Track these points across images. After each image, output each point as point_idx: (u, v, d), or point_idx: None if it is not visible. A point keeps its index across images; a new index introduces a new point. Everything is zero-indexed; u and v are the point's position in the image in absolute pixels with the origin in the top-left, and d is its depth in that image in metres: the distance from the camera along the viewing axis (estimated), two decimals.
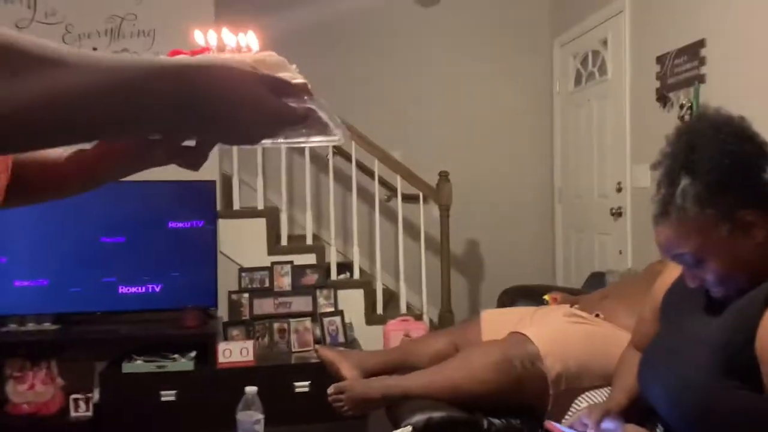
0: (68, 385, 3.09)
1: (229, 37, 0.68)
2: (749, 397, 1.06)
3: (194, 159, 0.61)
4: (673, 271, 1.38)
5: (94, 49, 3.44)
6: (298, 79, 0.62)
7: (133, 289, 3.26)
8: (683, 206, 1.14)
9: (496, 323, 2.22)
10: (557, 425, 1.31)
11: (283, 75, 0.62)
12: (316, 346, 3.19)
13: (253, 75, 0.55)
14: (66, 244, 3.19)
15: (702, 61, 2.92)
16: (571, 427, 1.33)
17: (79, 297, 3.18)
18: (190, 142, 0.61)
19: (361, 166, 3.96)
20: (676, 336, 1.27)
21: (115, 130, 0.55)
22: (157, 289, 3.28)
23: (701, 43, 2.92)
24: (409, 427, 1.62)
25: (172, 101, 0.52)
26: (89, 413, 3.02)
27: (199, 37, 0.68)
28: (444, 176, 3.79)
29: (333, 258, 3.74)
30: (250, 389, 1.58)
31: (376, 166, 3.83)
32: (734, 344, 1.10)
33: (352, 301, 3.66)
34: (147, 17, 3.47)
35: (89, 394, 3.05)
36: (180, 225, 3.33)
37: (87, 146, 0.69)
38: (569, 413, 1.50)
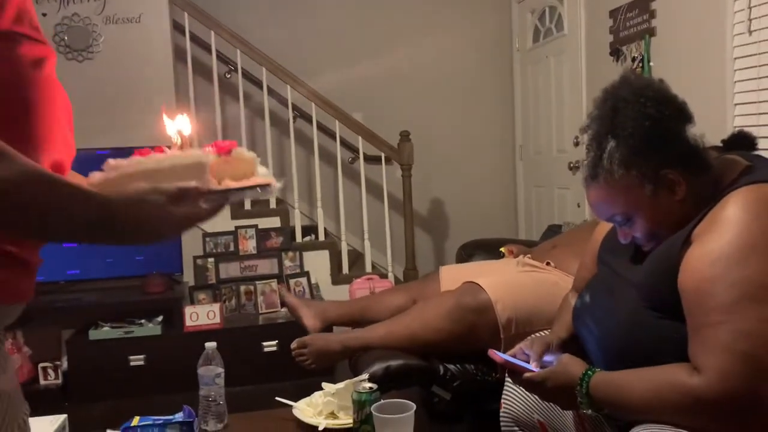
0: (36, 354, 3.10)
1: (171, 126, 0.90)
2: (670, 326, 1.13)
3: None
4: None
5: (44, 14, 3.36)
6: (262, 179, 0.90)
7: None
8: (610, 168, 1.19)
9: (454, 277, 2.28)
10: (499, 353, 1.37)
11: (254, 178, 0.89)
12: (282, 289, 3.25)
13: (158, 202, 0.79)
14: None
15: (652, 14, 2.97)
16: (513, 356, 1.40)
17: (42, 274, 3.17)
18: None
19: (322, 129, 3.97)
20: (609, 278, 1.35)
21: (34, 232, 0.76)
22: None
23: None
24: (366, 375, 1.69)
25: (89, 223, 0.76)
26: (59, 381, 3.05)
27: (168, 125, 0.90)
28: (405, 136, 3.82)
29: (297, 221, 3.77)
30: (210, 344, 1.63)
31: (338, 128, 3.84)
32: (658, 282, 1.17)
33: (317, 262, 3.71)
34: None
35: (57, 362, 3.07)
36: None
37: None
38: None
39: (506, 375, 1.42)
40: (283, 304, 3.27)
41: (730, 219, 1.09)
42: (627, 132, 1.18)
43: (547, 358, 1.38)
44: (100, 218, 0.75)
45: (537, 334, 1.71)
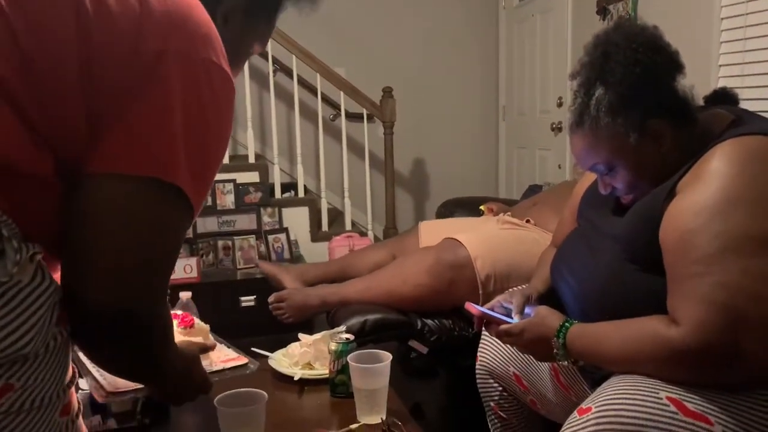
0: None
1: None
2: (649, 279, 1.12)
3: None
4: (591, 175, 1.43)
5: None
6: (241, 358, 1.34)
7: None
8: (596, 116, 1.17)
9: (433, 233, 2.27)
10: (475, 306, 1.36)
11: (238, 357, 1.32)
12: (258, 260, 3.23)
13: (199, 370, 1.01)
14: None
15: None
16: (490, 309, 1.39)
17: None
18: None
19: (303, 83, 3.89)
20: (588, 232, 1.33)
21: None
22: None
23: None
24: (343, 327, 1.68)
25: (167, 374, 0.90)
26: None
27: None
28: (388, 92, 3.76)
29: (277, 176, 3.72)
30: (184, 294, 1.60)
31: (319, 82, 3.76)
32: (639, 234, 1.16)
33: (297, 219, 3.68)
34: None
35: None
36: None
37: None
38: None
39: (483, 328, 1.42)
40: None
41: (715, 171, 1.08)
42: (616, 78, 1.15)
43: (527, 310, 1.38)
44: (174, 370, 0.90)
45: (515, 288, 1.71)
